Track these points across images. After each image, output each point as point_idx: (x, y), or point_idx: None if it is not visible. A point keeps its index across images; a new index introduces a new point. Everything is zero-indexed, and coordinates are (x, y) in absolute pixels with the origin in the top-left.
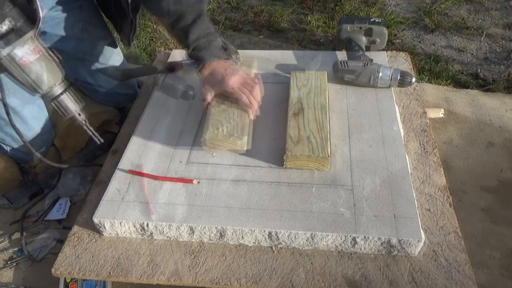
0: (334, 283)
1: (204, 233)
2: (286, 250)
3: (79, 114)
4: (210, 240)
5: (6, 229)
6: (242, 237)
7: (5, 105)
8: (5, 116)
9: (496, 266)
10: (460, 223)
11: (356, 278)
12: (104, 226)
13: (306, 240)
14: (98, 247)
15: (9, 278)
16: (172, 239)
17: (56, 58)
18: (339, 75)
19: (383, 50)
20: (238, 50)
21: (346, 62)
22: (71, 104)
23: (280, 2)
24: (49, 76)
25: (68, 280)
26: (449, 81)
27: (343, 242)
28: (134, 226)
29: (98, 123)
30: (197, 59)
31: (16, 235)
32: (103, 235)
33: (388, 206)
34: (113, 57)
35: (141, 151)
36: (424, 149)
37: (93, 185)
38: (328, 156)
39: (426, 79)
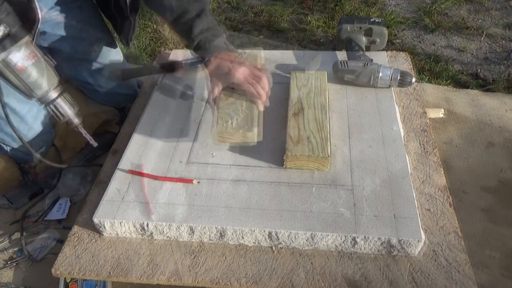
0: (334, 283)
1: (204, 233)
2: (286, 250)
3: (75, 118)
4: (210, 240)
5: (6, 229)
6: (242, 237)
7: (3, 106)
8: (8, 115)
9: (496, 266)
10: (460, 223)
11: (356, 278)
12: (104, 226)
13: (306, 240)
14: (98, 247)
15: (9, 278)
16: (172, 239)
17: (51, 63)
18: (339, 75)
19: (383, 50)
20: (239, 50)
21: (346, 62)
22: (66, 108)
23: (280, 2)
24: (45, 81)
25: (68, 280)
26: (449, 81)
27: (343, 242)
28: (134, 226)
29: (98, 123)
30: (202, 53)
31: (16, 235)
32: (103, 235)
33: (388, 206)
34: (113, 57)
35: (141, 151)
36: (424, 149)
37: (93, 185)
38: (328, 156)
39: (426, 79)
